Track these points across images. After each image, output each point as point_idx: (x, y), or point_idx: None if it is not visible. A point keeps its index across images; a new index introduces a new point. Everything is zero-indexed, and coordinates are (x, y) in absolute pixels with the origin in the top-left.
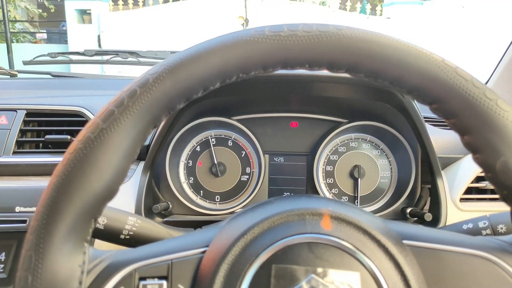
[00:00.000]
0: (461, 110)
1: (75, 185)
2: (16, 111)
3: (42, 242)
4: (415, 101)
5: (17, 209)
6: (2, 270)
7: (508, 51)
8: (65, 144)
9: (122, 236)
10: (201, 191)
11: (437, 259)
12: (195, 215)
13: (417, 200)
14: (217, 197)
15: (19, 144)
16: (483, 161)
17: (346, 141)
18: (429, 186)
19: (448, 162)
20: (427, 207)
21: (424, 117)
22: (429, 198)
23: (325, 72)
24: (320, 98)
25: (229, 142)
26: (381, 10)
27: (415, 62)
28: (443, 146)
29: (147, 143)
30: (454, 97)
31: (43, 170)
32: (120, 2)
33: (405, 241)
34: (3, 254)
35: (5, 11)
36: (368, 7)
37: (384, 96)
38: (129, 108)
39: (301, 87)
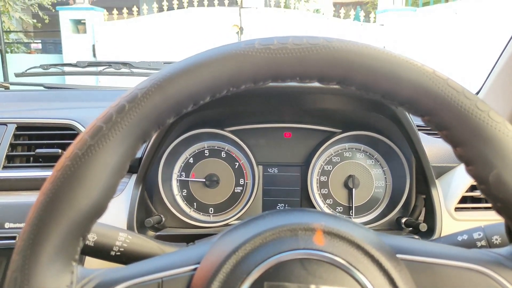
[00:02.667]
0: (453, 122)
1: (62, 203)
2: (7, 125)
3: (28, 263)
4: (408, 112)
5: (7, 225)
6: None
7: (499, 60)
8: (56, 158)
9: (112, 253)
10: (195, 204)
11: (432, 273)
12: (189, 228)
13: (412, 209)
14: (211, 209)
15: (9, 158)
16: (476, 173)
17: (340, 151)
18: (424, 195)
19: (442, 171)
20: (422, 217)
21: (418, 126)
22: (424, 208)
23: (317, 84)
24: (313, 109)
25: (222, 154)
26: (374, 17)
27: (406, 75)
28: (437, 155)
29: (139, 155)
30: (445, 109)
31: (33, 185)
32: (115, 12)
33: (399, 255)
34: None
35: None
36: (362, 14)
37: (376, 107)
38: (118, 124)
39: (293, 99)
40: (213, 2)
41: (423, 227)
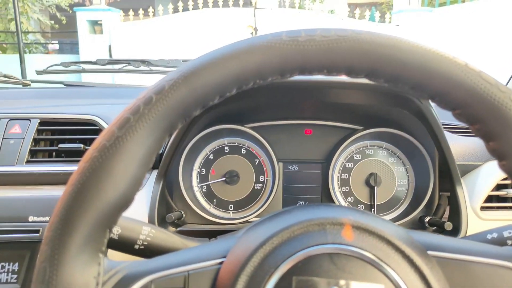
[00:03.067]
0: (486, 115)
1: (90, 194)
2: (30, 120)
3: (57, 253)
4: (437, 106)
5: (30, 218)
6: (15, 280)
7: None
8: (78, 153)
9: (136, 246)
10: (215, 200)
11: (464, 271)
12: (209, 224)
13: (435, 208)
14: (231, 206)
15: (33, 153)
16: (509, 168)
17: (361, 149)
18: (448, 194)
19: (467, 169)
20: (446, 216)
21: (442, 124)
22: (448, 207)
23: (340, 78)
24: (335, 104)
25: (242, 150)
26: (390, 18)
27: (437, 67)
28: (462, 153)
29: (160, 151)
30: (478, 102)
31: (56, 179)
32: (131, 13)
33: (430, 252)
34: (16, 264)
35: (18, 22)
36: (377, 15)
37: (401, 102)
38: (145, 116)
39: (316, 93)
40: (228, 3)
41: (449, 226)
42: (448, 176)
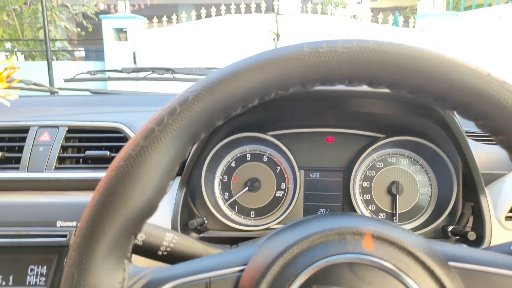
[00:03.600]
0: (510, 126)
1: (117, 202)
2: (58, 128)
3: (85, 259)
4: (460, 116)
5: (58, 223)
6: (44, 283)
7: None
8: (104, 160)
9: (160, 252)
10: (236, 207)
11: (486, 283)
12: (230, 231)
13: (459, 218)
14: (252, 213)
15: (61, 159)
16: None
17: (383, 157)
18: (472, 203)
19: (491, 178)
20: (469, 225)
21: (466, 132)
22: (471, 216)
23: (363, 88)
24: (357, 113)
25: (264, 158)
26: (414, 22)
27: (460, 77)
28: (486, 162)
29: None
30: (502, 113)
31: (83, 185)
32: (155, 20)
33: (451, 263)
34: (45, 267)
35: (47, 31)
36: (401, 19)
37: (423, 111)
38: (169, 126)
39: (338, 102)
40: (250, 9)
41: (472, 235)
42: (472, 185)
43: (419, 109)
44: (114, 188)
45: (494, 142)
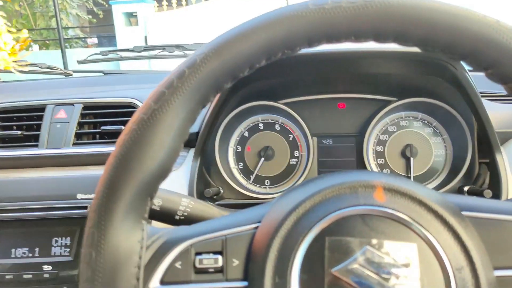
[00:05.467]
0: None
1: (132, 164)
2: (74, 105)
3: (103, 219)
4: (469, 66)
5: (79, 196)
6: (68, 253)
7: None
8: (119, 134)
9: (177, 217)
10: (251, 176)
11: (500, 230)
12: (246, 199)
13: (475, 178)
14: (267, 181)
15: (78, 136)
16: None
17: (396, 120)
18: (488, 162)
19: (507, 137)
20: (486, 185)
21: (480, 92)
22: (488, 176)
23: (371, 47)
24: (368, 76)
25: (276, 126)
26: None
27: (467, 26)
28: (501, 121)
29: (196, 130)
30: (511, 60)
31: (101, 160)
32: (164, 3)
33: (464, 212)
34: (68, 238)
35: (59, 19)
36: None
37: (435, 69)
38: (179, 89)
39: (348, 65)
40: None
41: (488, 193)
42: (487, 144)
43: (430, 67)
44: (128, 151)
45: (510, 101)
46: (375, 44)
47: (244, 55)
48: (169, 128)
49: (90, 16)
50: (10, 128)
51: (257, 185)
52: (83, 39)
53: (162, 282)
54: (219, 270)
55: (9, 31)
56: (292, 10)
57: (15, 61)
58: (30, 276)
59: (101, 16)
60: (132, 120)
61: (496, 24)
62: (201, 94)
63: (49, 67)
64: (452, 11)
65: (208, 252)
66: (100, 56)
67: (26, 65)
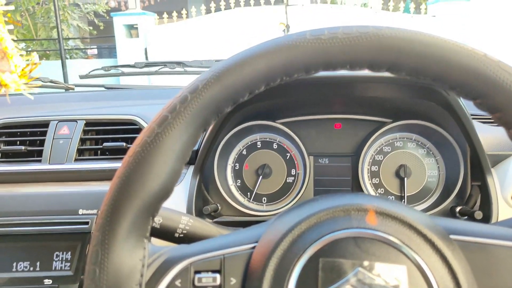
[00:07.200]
0: (506, 104)
1: (135, 185)
2: (76, 122)
3: (107, 238)
4: (459, 97)
5: (80, 211)
6: (68, 268)
7: None
8: (121, 151)
9: (176, 235)
10: (248, 193)
11: (487, 254)
12: (243, 216)
13: (467, 199)
14: (264, 199)
15: (80, 151)
16: None
17: (391, 141)
18: (479, 184)
19: (498, 159)
20: (477, 206)
21: (471, 114)
22: (479, 197)
23: (366, 72)
24: (363, 98)
25: (274, 145)
26: (425, 9)
27: (456, 58)
28: (493, 143)
29: (196, 148)
30: (498, 92)
31: (102, 176)
32: (165, 15)
33: (452, 236)
34: (69, 253)
35: (60, 30)
36: (412, 6)
37: (428, 94)
38: (181, 113)
39: (344, 88)
40: (259, 1)
41: (479, 215)
42: (478, 166)
43: (423, 92)
44: (132, 173)
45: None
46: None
47: (244, 81)
48: (172, 151)
49: (91, 28)
50: (13, 143)
51: (254, 202)
52: (83, 50)
53: None
54: None
55: (20, 55)
56: (291, 40)
57: (26, 83)
58: None
59: (101, 27)
60: (136, 143)
61: (484, 58)
62: (203, 118)
63: (51, 81)
64: (442, 44)
65: (207, 271)
66: (102, 71)
67: (36, 87)
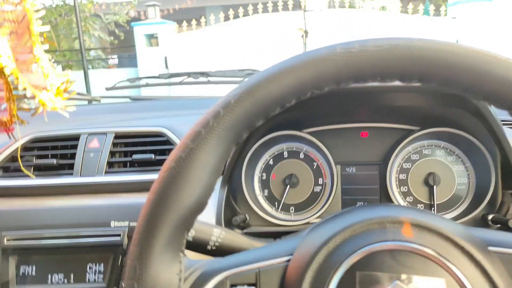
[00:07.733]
0: None
1: (170, 200)
2: (106, 135)
3: (145, 253)
4: (492, 105)
5: (112, 224)
6: (102, 280)
7: None
8: (150, 163)
9: (209, 247)
10: (276, 203)
11: None
12: (272, 226)
13: (499, 206)
14: (292, 208)
15: (110, 164)
16: None
17: (419, 149)
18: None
19: None
20: (510, 213)
21: (502, 120)
22: None
23: (396, 83)
24: (390, 107)
25: (300, 155)
26: (445, 11)
27: (488, 68)
28: None
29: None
30: None
31: (132, 187)
32: (184, 24)
33: (491, 248)
34: (102, 265)
35: (82, 41)
36: (432, 8)
37: (457, 101)
38: (214, 128)
39: (372, 98)
40: (277, 8)
41: None
42: (510, 172)
43: (452, 99)
44: (167, 188)
45: None
46: None
47: (275, 96)
48: (206, 166)
49: (112, 38)
50: (45, 156)
51: (282, 212)
52: (104, 60)
53: None
54: None
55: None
56: (321, 53)
57: (62, 101)
58: None
59: (122, 37)
60: (171, 158)
61: None
62: (235, 132)
63: (78, 94)
64: (473, 54)
65: (242, 284)
66: (127, 83)
67: (71, 106)
